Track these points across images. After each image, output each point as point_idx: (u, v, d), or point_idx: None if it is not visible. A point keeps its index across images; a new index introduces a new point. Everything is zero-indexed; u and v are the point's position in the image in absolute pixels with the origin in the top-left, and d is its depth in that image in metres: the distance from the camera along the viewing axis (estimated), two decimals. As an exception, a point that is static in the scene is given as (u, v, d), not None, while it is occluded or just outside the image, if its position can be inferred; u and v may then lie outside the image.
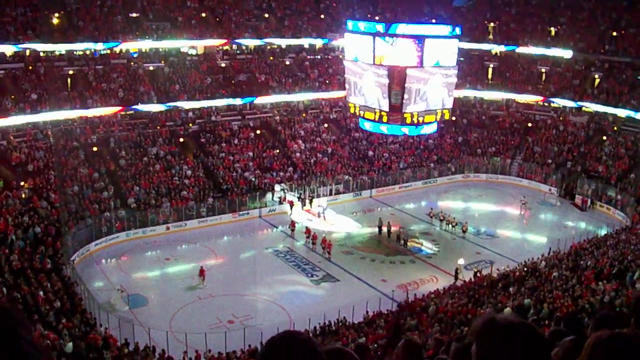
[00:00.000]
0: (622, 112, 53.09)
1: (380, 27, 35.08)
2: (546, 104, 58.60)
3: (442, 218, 43.46)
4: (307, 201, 46.00)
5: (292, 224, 41.61)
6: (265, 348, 2.03)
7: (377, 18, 40.41)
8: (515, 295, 27.84)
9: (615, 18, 58.59)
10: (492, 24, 63.03)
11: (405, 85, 34.60)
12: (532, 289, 27.81)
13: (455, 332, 20.56)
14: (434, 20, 39.45)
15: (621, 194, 46.85)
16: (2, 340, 1.64)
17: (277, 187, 46.43)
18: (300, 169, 49.52)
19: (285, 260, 37.26)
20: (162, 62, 52.59)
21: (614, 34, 57.91)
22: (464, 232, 41.57)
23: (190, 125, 50.40)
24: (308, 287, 34.23)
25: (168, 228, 40.91)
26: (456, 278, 33.94)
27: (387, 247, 39.76)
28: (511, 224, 45.16)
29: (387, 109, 35.81)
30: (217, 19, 55.95)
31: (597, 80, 57.66)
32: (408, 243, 39.99)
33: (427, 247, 40.00)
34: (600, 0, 60.18)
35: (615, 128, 54.21)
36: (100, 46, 48.96)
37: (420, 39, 34.25)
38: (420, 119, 36.57)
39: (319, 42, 60.16)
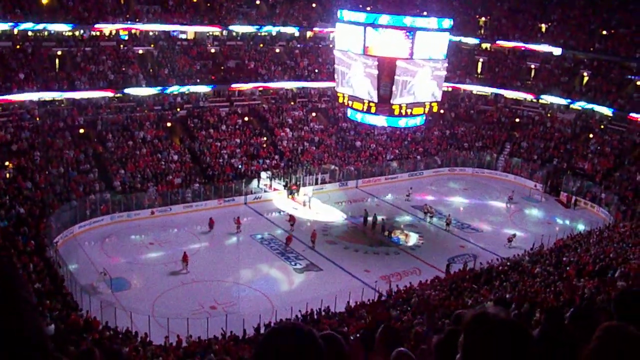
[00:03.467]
0: (609, 111, 53.48)
1: (374, 19, 35.07)
2: (534, 100, 58.90)
3: (426, 211, 43.62)
4: (294, 189, 45.98)
5: (292, 218, 41.21)
6: (268, 338, 2.01)
7: (368, 9, 40.28)
8: (497, 289, 28.00)
9: (606, 17, 58.78)
10: (483, 19, 63.18)
11: (395, 76, 34.62)
12: (514, 284, 27.99)
13: (437, 325, 20.66)
14: (425, 13, 39.39)
15: (605, 191, 47.17)
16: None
17: (263, 175, 46.41)
18: (287, 157, 49.48)
19: (269, 248, 37.26)
20: (152, 45, 52.24)
21: (604, 32, 58.18)
22: (447, 224, 41.76)
23: (178, 110, 50.20)
24: (291, 275, 34.31)
25: (153, 212, 40.79)
26: (447, 273, 33.96)
27: (372, 238, 39.83)
28: (496, 218, 45.30)
29: (375, 100, 35.85)
30: (208, 4, 55.60)
31: (586, 78, 57.93)
32: (392, 234, 40.14)
33: (411, 239, 40.16)
34: (591, -1, 60.42)
35: (602, 126, 54.60)
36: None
37: (411, 31, 34.26)
38: (409, 111, 36.63)
39: (309, 31, 59.99)
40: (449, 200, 48.08)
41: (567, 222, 45.09)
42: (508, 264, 32.76)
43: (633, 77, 55.65)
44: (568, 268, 29.08)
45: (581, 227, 42.30)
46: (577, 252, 33.09)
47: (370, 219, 41.44)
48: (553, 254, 33.31)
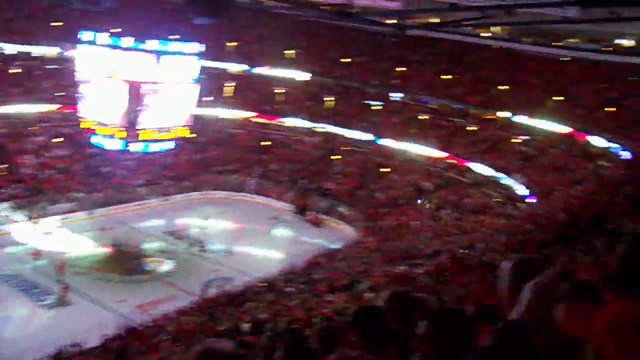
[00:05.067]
0: (352, 133, 57.08)
1: (120, 41, 33.94)
2: (282, 124, 60.92)
3: (179, 236, 43.07)
4: (37, 220, 43.00)
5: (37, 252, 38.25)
6: None
7: (112, 31, 39.02)
8: (253, 310, 28.21)
9: (347, 46, 62.82)
10: (232, 44, 64.12)
11: (143, 101, 33.84)
12: (269, 304, 28.39)
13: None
14: (174, 37, 38.95)
15: (351, 210, 49.90)
16: None
17: (3, 206, 42.93)
18: (29, 185, 46.21)
19: (9, 285, 34.22)
20: None
21: (345, 60, 62.01)
22: (202, 250, 41.52)
23: None
24: (37, 313, 31.81)
25: None
26: (203, 297, 33.43)
27: (124, 267, 38.29)
28: (249, 240, 45.77)
29: (122, 125, 34.70)
30: None
31: (330, 103, 61.21)
32: (145, 261, 39.00)
33: (164, 265, 39.28)
34: (333, 29, 63.88)
35: (346, 148, 57.89)
36: None
37: (159, 55, 33.72)
38: (158, 135, 35.96)
39: (52, 51, 56.69)
40: (202, 225, 47.76)
41: (317, 240, 46.86)
42: (263, 284, 33.23)
43: (371, 102, 60.15)
44: (319, 285, 30.17)
45: (330, 244, 44.21)
46: (328, 268, 34.49)
47: (121, 246, 39.91)
48: (305, 272, 34.39)
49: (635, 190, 16.85)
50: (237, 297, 31.48)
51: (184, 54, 35.45)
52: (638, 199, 15.19)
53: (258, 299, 30.04)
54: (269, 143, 60.24)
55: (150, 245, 42.27)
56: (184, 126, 37.44)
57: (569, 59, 53.67)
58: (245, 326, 23.01)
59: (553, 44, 51.48)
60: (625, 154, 41.23)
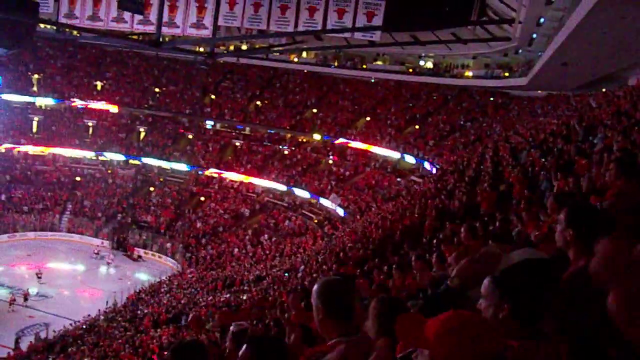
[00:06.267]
0: (166, 164, 56.29)
1: None
2: (94, 157, 58.79)
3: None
4: None
5: None
6: None
7: None
8: (75, 355, 26.94)
9: (157, 75, 62.04)
10: (36, 76, 60.91)
11: None
12: (93, 346, 27.28)
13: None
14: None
15: (170, 241, 49.11)
16: None
17: None
18: None
19: None
20: None
21: (157, 90, 61.18)
22: (25, 299, 38.25)
23: None
24: None
25: None
26: (17, 348, 31.17)
27: None
28: (66, 281, 43.53)
29: None
30: None
31: (143, 134, 60.07)
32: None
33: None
34: (143, 58, 62.91)
35: (162, 179, 56.98)
36: None
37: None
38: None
39: None
40: (13, 270, 44.57)
41: (138, 275, 45.61)
42: (83, 326, 31.86)
43: (185, 131, 59.85)
44: (144, 320, 29.43)
45: (152, 278, 43.20)
46: (151, 303, 33.71)
47: None
48: (127, 309, 33.38)
49: (443, 203, 18.02)
50: (56, 343, 29.92)
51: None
52: (444, 212, 16.25)
53: (80, 343, 28.74)
54: (81, 178, 57.83)
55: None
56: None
57: (374, 80, 56.60)
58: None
59: (363, 66, 53.97)
60: (432, 168, 43.80)
